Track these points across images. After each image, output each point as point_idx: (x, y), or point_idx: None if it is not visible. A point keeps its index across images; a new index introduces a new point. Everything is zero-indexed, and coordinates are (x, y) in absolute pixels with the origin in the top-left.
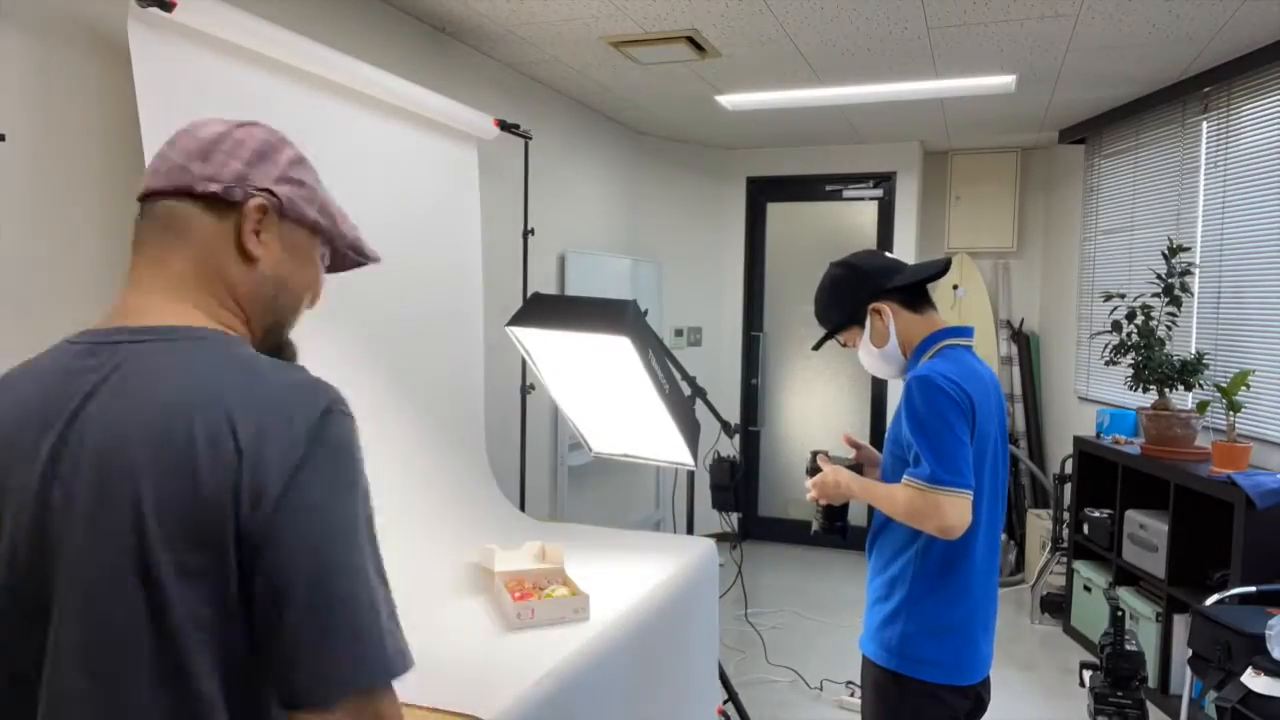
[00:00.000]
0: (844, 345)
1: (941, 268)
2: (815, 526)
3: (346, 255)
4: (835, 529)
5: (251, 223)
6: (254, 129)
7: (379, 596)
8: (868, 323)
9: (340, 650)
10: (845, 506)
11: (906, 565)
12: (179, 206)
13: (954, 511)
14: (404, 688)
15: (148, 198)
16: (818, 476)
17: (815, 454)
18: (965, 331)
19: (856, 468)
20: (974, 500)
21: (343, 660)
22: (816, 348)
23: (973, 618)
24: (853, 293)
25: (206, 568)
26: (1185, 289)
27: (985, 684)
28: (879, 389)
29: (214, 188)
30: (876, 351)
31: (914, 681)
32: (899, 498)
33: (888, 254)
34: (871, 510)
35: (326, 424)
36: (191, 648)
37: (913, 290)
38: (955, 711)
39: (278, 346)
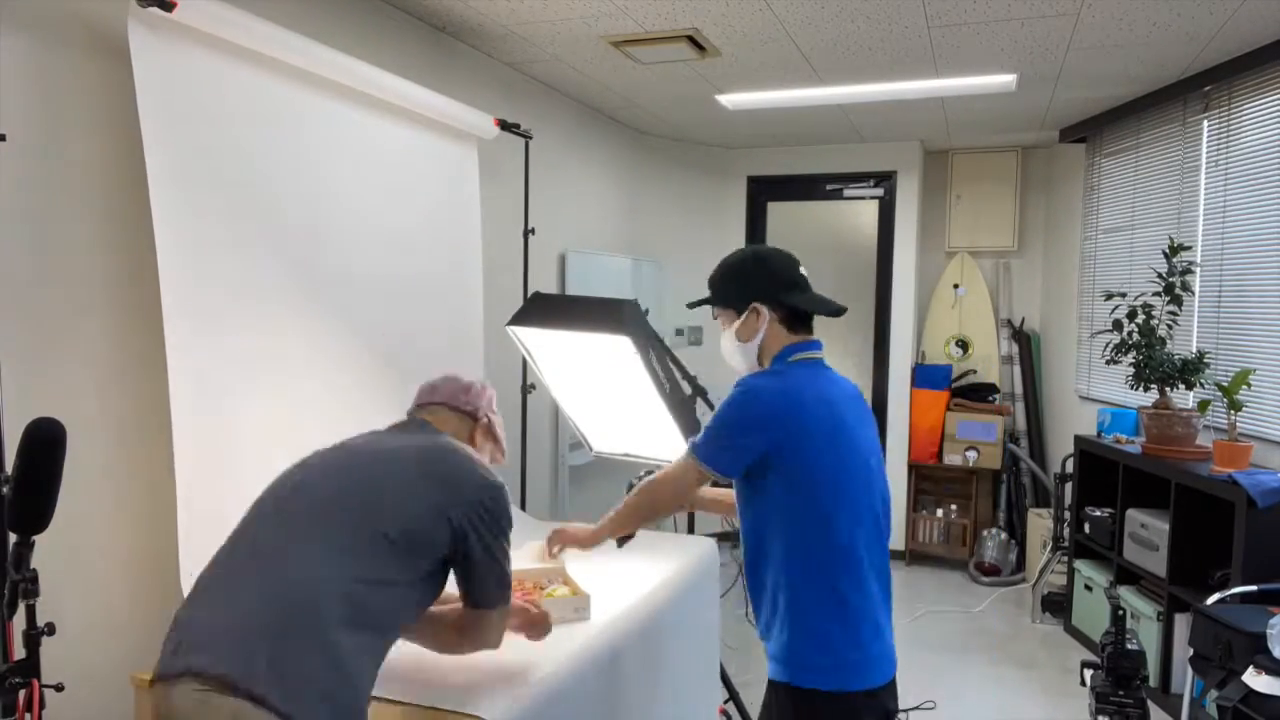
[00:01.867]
0: (714, 318)
1: (833, 312)
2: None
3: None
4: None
5: (482, 429)
6: (489, 388)
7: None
8: (743, 316)
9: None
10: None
11: (779, 577)
12: (450, 411)
13: (674, 484)
14: (405, 688)
15: (423, 406)
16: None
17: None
18: (814, 345)
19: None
20: (830, 498)
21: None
22: (691, 306)
23: (861, 624)
24: (747, 283)
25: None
26: (1186, 288)
27: (888, 689)
28: (879, 388)
29: (468, 408)
30: (737, 344)
31: (801, 690)
32: (624, 504)
33: (803, 270)
34: (741, 540)
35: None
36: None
37: (799, 314)
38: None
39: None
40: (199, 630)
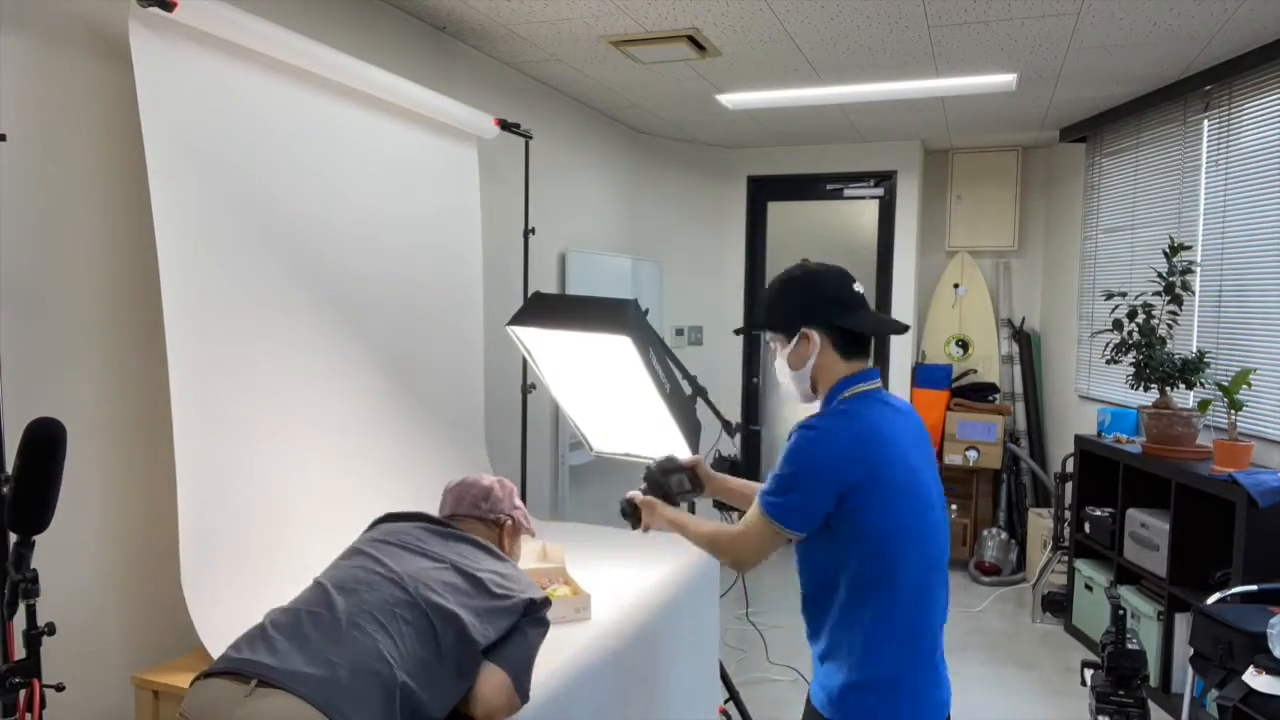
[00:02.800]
0: (769, 344)
1: (899, 329)
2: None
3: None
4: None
5: (508, 531)
6: (507, 484)
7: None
8: (794, 341)
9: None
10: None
11: (839, 621)
12: (475, 522)
13: (754, 542)
14: None
15: (453, 517)
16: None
17: (630, 500)
18: (872, 375)
19: (689, 474)
20: (897, 543)
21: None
22: (738, 333)
23: (901, 677)
24: (795, 306)
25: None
26: (1186, 287)
27: None
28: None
29: (491, 516)
30: (789, 371)
31: None
32: (705, 527)
33: (856, 285)
34: (800, 580)
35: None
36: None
37: (852, 338)
38: None
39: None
40: (282, 658)
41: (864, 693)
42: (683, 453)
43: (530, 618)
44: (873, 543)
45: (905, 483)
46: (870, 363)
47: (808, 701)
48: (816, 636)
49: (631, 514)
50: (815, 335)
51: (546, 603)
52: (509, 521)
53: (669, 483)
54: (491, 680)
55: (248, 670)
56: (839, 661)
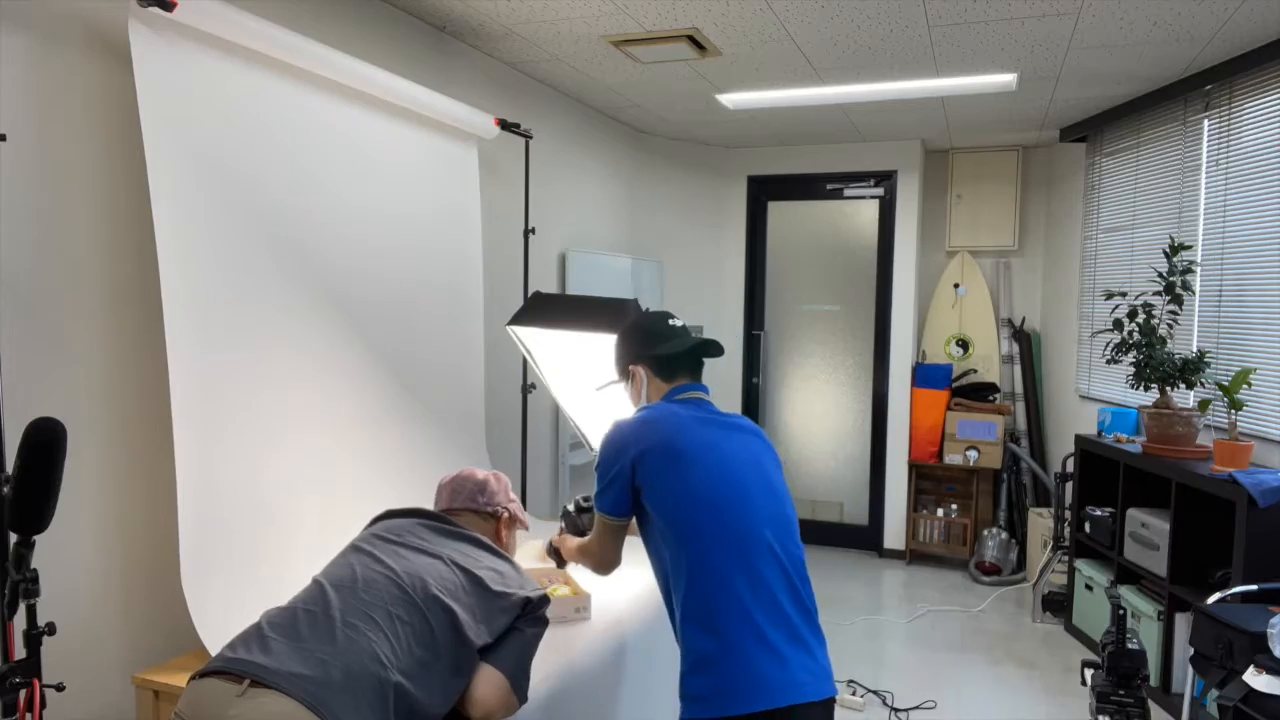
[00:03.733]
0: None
1: (698, 350)
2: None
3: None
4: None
5: (505, 523)
6: (503, 478)
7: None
8: (628, 378)
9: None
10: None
11: (674, 609)
12: (473, 515)
13: (600, 541)
14: None
15: (450, 511)
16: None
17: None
18: (692, 388)
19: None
20: (690, 510)
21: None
22: (599, 389)
23: (738, 645)
24: (624, 350)
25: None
26: (1187, 287)
27: (791, 714)
28: (880, 387)
29: (489, 509)
30: (631, 404)
31: None
32: (574, 543)
33: (673, 322)
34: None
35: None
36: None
37: (666, 361)
38: None
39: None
40: (276, 658)
41: (688, 679)
42: None
43: (528, 617)
44: (667, 511)
45: (692, 452)
46: (696, 380)
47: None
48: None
49: (555, 557)
50: (639, 369)
51: (545, 601)
52: (505, 514)
53: (582, 521)
54: (488, 682)
55: (240, 670)
56: (680, 654)
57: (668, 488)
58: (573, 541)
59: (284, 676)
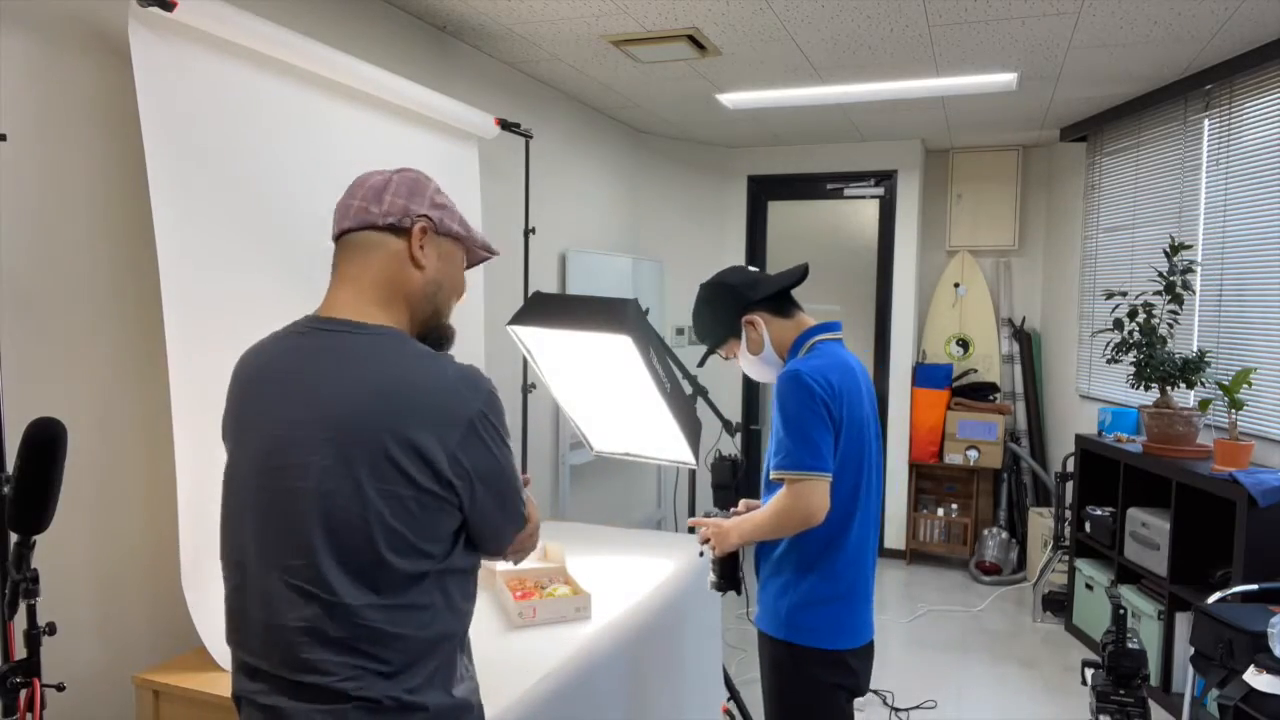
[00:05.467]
0: (725, 359)
1: (800, 275)
2: (713, 580)
3: (478, 254)
4: (734, 580)
5: (417, 239)
6: (406, 172)
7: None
8: (744, 334)
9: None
10: (736, 557)
11: (788, 549)
12: (368, 235)
13: (815, 498)
14: None
15: (342, 235)
16: (709, 532)
17: (694, 522)
18: (833, 326)
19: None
20: (847, 481)
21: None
22: (701, 364)
23: (851, 592)
24: (726, 309)
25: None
26: (1187, 287)
27: (868, 649)
28: (880, 387)
29: (390, 220)
30: (755, 358)
31: (801, 648)
32: (764, 517)
33: (750, 268)
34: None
35: (488, 408)
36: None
37: (778, 298)
38: (841, 674)
39: (439, 331)
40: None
41: (808, 611)
42: (685, 455)
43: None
44: (837, 465)
45: (864, 417)
46: (810, 318)
47: (759, 635)
48: (768, 556)
49: (721, 574)
50: (756, 317)
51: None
52: (422, 223)
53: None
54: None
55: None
56: (783, 583)
57: (849, 440)
58: (742, 531)
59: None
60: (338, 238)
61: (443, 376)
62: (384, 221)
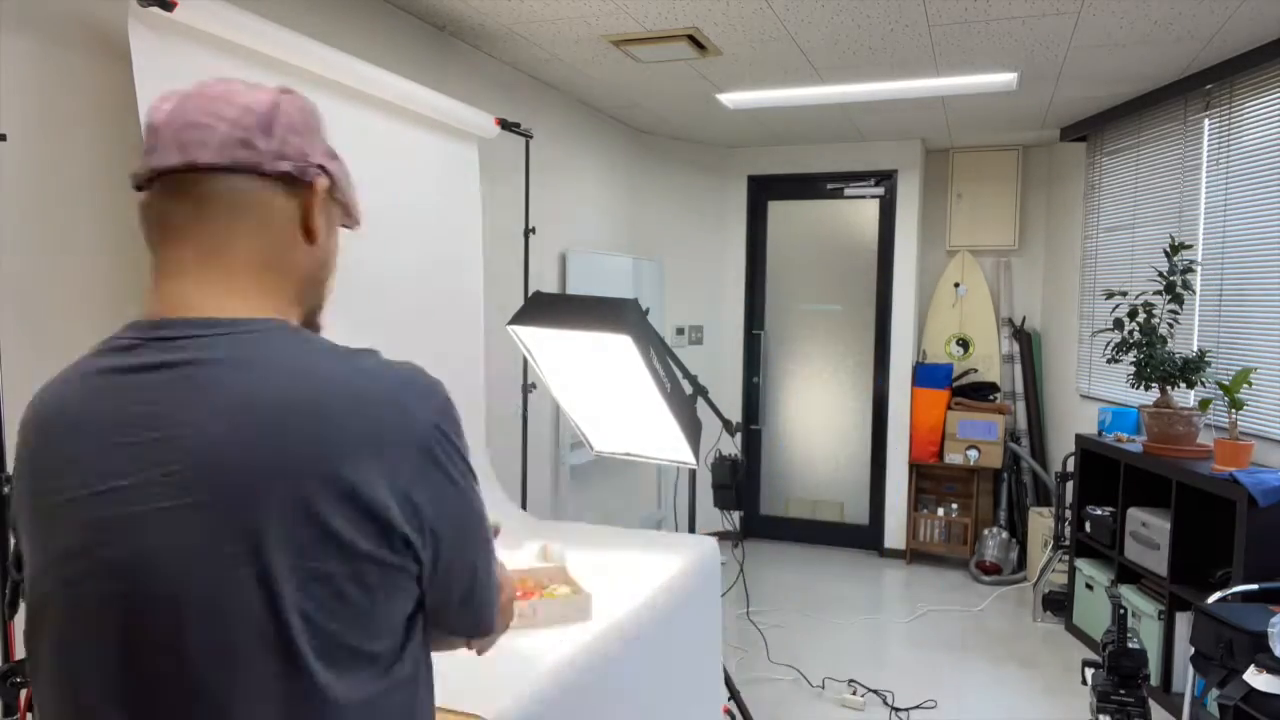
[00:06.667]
0: None
1: None
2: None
3: (347, 222)
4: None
5: (320, 202)
6: (293, 96)
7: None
8: None
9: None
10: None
11: None
12: (245, 185)
13: None
14: None
15: (189, 171)
16: None
17: None
18: None
19: None
20: None
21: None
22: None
23: None
24: None
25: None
26: (1187, 286)
27: None
28: (880, 387)
29: (286, 166)
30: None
31: None
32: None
33: None
34: None
35: (444, 421)
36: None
37: None
38: None
39: (315, 329)
40: None
41: None
42: (685, 454)
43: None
44: None
45: None
46: None
47: None
48: None
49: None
50: None
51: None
52: (322, 181)
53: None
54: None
55: None
56: None
57: None
58: None
59: None
60: (165, 173)
61: (379, 381)
62: (274, 167)
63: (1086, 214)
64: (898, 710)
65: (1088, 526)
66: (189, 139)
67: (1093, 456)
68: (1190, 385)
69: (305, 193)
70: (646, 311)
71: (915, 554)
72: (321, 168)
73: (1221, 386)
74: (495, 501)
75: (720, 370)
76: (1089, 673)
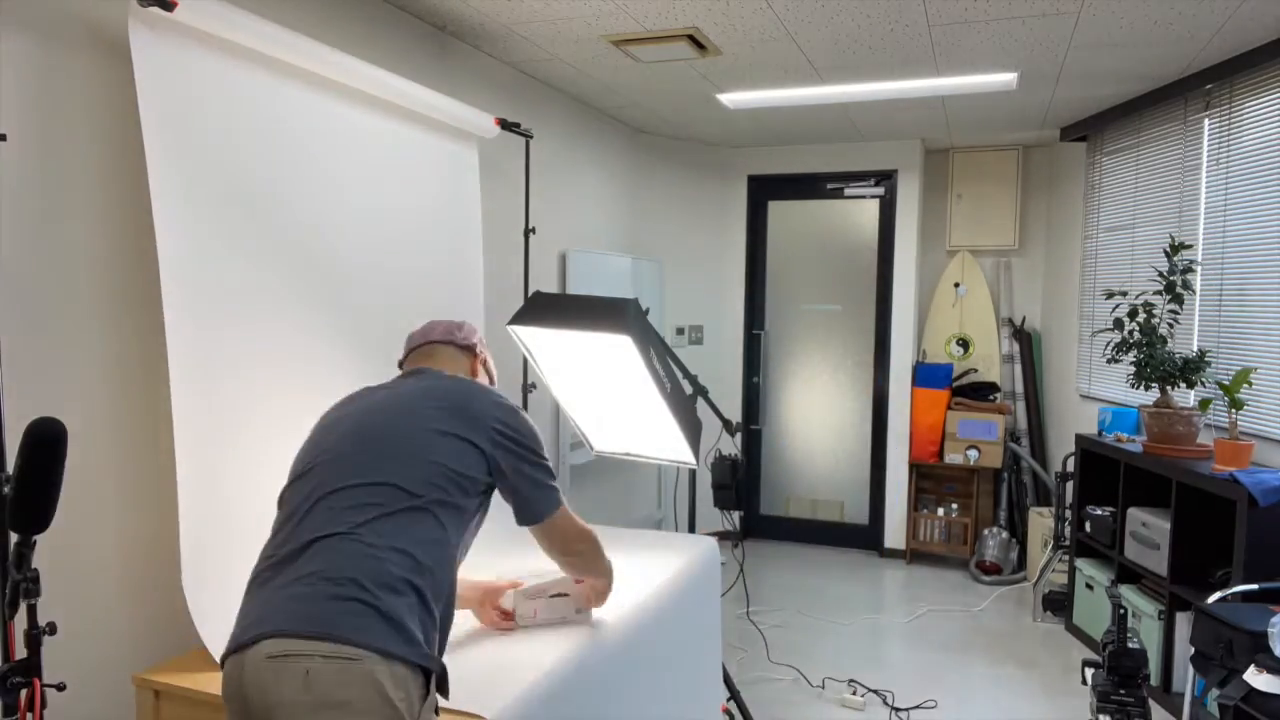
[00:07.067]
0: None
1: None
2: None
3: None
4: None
5: (480, 361)
6: (468, 324)
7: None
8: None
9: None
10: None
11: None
12: (448, 349)
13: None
14: None
15: (429, 344)
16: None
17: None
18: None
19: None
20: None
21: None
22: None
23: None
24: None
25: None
26: (1187, 286)
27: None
28: (880, 387)
29: (466, 343)
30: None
31: None
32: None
33: None
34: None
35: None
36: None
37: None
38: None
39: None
40: (264, 607)
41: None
42: (685, 454)
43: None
44: None
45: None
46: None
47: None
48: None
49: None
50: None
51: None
52: (483, 355)
53: None
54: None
55: (250, 638)
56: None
57: None
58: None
59: (269, 620)
60: (420, 347)
61: (488, 392)
62: (464, 342)
63: (1086, 214)
64: (898, 710)
65: (1088, 526)
66: (419, 334)
67: (1093, 456)
68: (1190, 385)
69: (473, 356)
70: (646, 311)
71: (915, 554)
72: (481, 349)
73: (1221, 386)
74: (495, 501)
75: (720, 370)
76: (1089, 673)
